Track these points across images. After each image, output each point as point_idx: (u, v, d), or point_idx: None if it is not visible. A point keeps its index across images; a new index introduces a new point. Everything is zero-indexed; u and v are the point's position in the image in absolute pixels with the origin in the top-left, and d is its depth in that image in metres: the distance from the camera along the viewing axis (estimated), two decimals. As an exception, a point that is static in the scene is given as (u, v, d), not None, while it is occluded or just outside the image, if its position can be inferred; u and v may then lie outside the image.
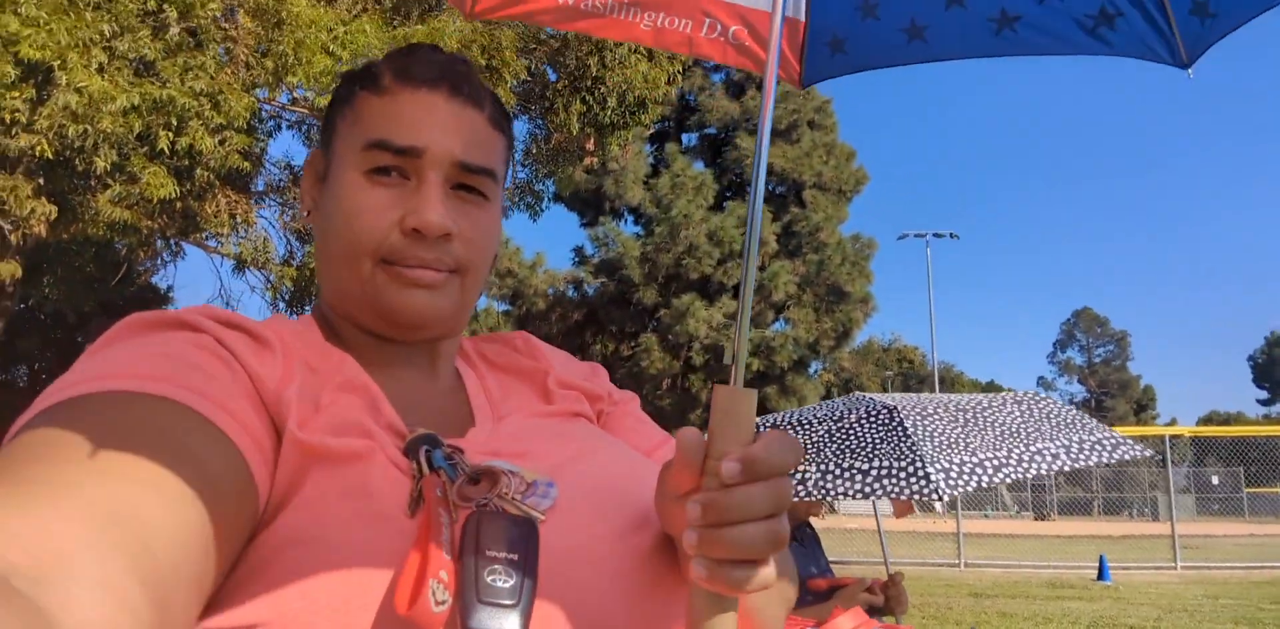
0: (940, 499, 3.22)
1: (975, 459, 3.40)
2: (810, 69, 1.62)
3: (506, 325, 17.69)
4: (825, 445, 3.69)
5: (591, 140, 10.70)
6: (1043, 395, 4.03)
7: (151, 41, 7.29)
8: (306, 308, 10.35)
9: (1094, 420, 3.72)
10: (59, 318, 13.47)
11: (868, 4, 1.55)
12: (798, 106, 18.61)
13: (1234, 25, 1.34)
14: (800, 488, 3.44)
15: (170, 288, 14.17)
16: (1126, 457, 3.46)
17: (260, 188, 9.66)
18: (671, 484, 0.61)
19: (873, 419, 3.76)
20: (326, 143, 0.82)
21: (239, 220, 8.01)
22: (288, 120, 10.05)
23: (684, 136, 19.95)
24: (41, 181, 6.89)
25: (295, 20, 7.84)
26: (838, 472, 3.49)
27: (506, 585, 0.58)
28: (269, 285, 10.37)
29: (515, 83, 10.27)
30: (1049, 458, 3.41)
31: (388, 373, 0.78)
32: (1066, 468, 3.39)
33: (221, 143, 7.31)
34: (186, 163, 7.07)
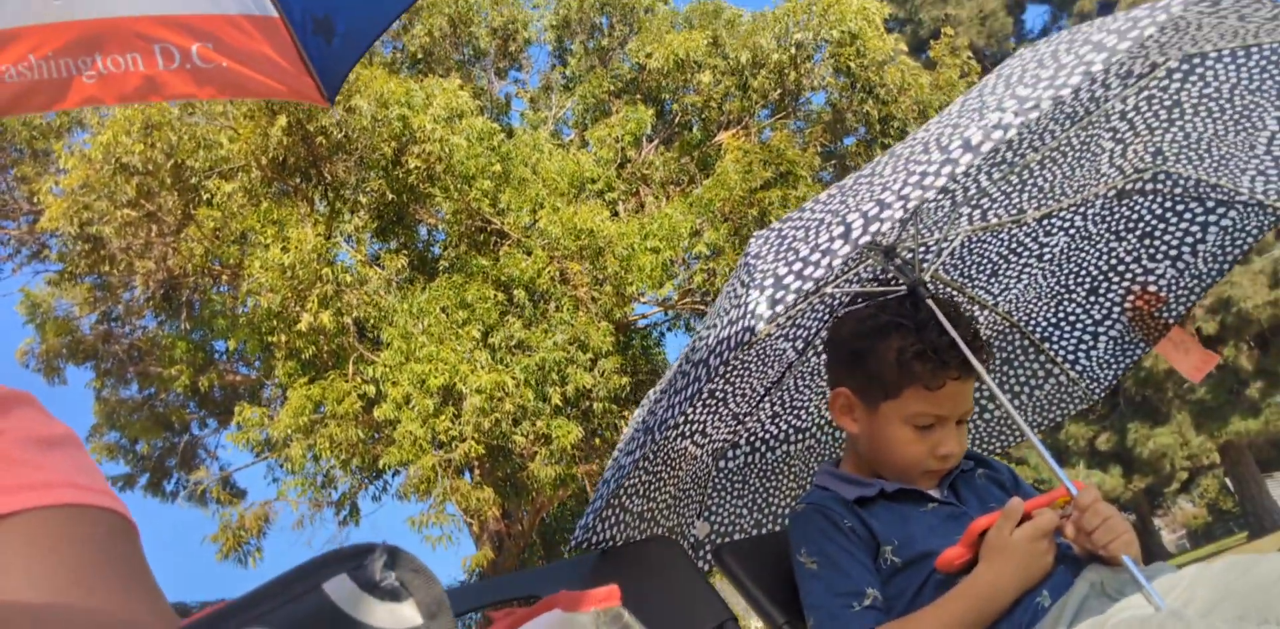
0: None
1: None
2: (325, 74, 1.23)
3: None
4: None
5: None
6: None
7: (516, 322, 8.37)
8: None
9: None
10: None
11: None
12: None
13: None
14: None
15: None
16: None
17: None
18: None
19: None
20: None
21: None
22: (662, 325, 10.71)
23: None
24: (478, 474, 7.94)
25: (610, 245, 8.51)
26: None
27: None
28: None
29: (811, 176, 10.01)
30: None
31: None
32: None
33: (600, 373, 7.91)
34: (585, 405, 7.72)
